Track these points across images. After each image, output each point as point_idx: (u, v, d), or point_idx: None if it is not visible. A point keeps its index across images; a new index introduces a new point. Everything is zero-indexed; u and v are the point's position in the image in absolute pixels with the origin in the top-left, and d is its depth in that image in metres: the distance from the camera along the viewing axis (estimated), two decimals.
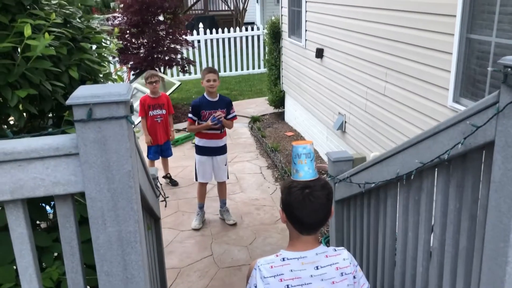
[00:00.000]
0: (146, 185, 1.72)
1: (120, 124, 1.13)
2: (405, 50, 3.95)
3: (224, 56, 12.44)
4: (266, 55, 9.00)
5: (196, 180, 4.89)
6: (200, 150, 4.75)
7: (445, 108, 3.37)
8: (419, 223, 2.02)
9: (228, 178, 5.01)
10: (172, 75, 11.52)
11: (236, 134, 7.82)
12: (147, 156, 5.80)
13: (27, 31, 1.35)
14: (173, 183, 5.99)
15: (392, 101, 4.27)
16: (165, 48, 9.22)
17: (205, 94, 4.60)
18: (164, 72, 9.77)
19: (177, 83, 8.73)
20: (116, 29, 2.43)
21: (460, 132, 1.61)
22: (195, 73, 12.17)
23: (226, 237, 4.70)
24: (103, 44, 2.20)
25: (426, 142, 1.83)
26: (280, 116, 8.74)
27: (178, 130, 8.06)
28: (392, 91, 4.25)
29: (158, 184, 2.67)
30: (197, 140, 4.75)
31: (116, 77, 2.69)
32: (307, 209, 1.59)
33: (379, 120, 4.57)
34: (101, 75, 2.12)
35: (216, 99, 4.59)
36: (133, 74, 9.40)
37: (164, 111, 5.71)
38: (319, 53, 6.13)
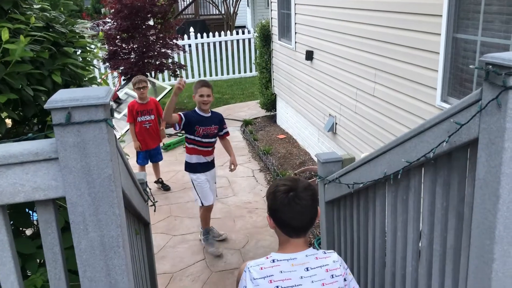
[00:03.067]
0: (131, 189, 1.71)
1: (99, 128, 1.12)
2: (393, 51, 3.97)
3: (215, 60, 12.43)
4: (257, 58, 9.01)
5: (202, 205, 4.38)
6: (193, 168, 4.33)
7: (433, 108, 3.38)
8: (408, 223, 2.02)
9: (217, 196, 4.73)
10: (163, 80, 11.50)
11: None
12: (136, 161, 5.75)
13: (4, 35, 1.33)
14: (165, 187, 5.95)
15: (381, 101, 4.28)
16: (155, 53, 9.20)
17: (196, 109, 4.20)
18: (155, 77, 9.75)
19: (168, 88, 8.70)
20: (101, 33, 2.41)
21: (445, 130, 1.61)
22: (187, 77, 12.16)
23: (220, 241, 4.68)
24: (88, 49, 2.19)
25: (412, 141, 1.83)
26: (272, 119, 8.74)
27: (170, 135, 8.03)
28: (381, 92, 4.27)
29: (147, 189, 2.66)
30: (187, 157, 4.33)
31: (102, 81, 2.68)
32: (293, 212, 1.59)
33: (369, 120, 4.58)
34: (85, 80, 2.10)
35: (209, 114, 4.22)
36: (123, 79, 9.36)
37: (152, 117, 5.63)
38: (309, 55, 6.14)
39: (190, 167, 4.34)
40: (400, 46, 3.84)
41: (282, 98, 7.95)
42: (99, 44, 2.33)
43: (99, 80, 2.35)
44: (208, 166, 4.40)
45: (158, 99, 8.39)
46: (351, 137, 5.07)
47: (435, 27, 3.28)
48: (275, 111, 8.63)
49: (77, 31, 2.06)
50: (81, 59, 2.16)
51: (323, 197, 2.92)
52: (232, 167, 4.43)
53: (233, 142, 7.67)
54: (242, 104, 10.09)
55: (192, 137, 4.21)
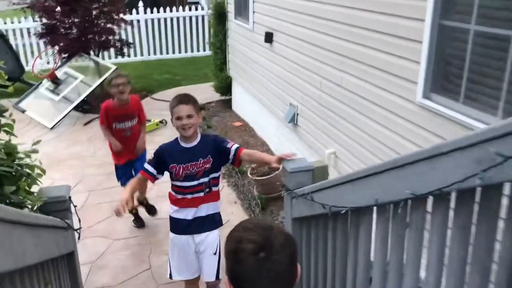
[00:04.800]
0: (22, 241, 1.15)
1: None
2: (365, 37, 3.52)
3: (166, 37, 11.64)
4: (211, 38, 8.37)
5: (170, 277, 3.00)
6: (173, 224, 2.93)
7: (413, 105, 2.98)
8: (404, 264, 1.58)
9: (219, 278, 2.91)
10: (110, 58, 10.62)
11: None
12: (119, 180, 4.40)
13: None
14: (152, 211, 4.57)
15: (350, 93, 3.85)
16: (99, 29, 8.36)
17: (178, 138, 2.83)
18: (98, 55, 8.92)
19: (113, 67, 7.91)
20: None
21: (474, 159, 1.16)
22: (135, 55, 11.34)
23: (167, 245, 4.11)
24: None
25: (418, 166, 1.38)
26: (227, 104, 8.18)
27: None
28: (350, 82, 3.83)
29: (72, 208, 2.09)
30: (170, 208, 2.93)
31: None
32: (264, 281, 1.08)
33: (334, 113, 4.15)
34: None
35: (194, 143, 2.77)
36: (63, 58, 8.48)
37: (135, 121, 4.23)
38: (268, 38, 5.62)
39: (171, 223, 2.95)
40: (373, 31, 3.40)
41: (239, 83, 7.41)
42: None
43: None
44: (200, 225, 2.85)
45: (99, 82, 7.63)
46: (314, 131, 4.63)
47: (418, 11, 2.84)
48: (231, 95, 8.07)
49: None
50: None
51: (289, 212, 2.46)
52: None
53: None
54: (194, 86, 9.41)
55: (172, 181, 2.85)
